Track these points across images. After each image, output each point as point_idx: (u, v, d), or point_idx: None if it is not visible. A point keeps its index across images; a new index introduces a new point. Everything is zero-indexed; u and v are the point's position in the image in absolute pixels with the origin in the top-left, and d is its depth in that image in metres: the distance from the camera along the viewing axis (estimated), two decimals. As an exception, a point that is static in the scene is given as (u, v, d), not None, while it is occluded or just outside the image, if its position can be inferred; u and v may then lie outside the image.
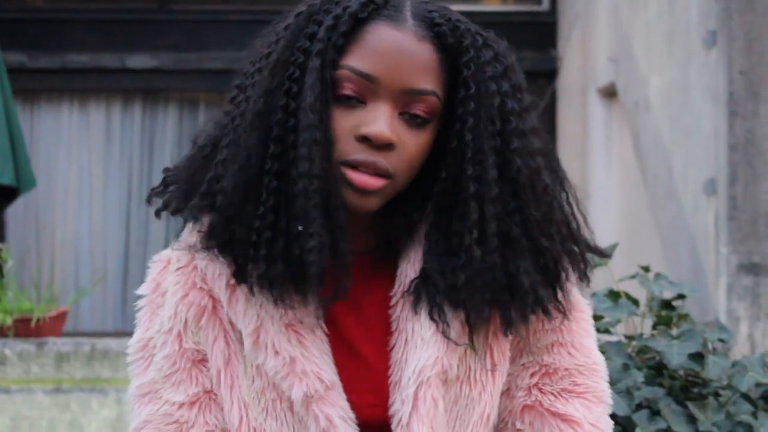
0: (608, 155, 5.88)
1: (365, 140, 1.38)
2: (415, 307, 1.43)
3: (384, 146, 1.38)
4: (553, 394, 1.51)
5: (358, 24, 1.39)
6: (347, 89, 1.38)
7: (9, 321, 5.22)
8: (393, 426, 1.43)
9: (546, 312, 1.45)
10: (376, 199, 1.40)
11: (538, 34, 6.63)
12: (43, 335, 5.27)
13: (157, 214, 1.49)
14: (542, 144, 1.46)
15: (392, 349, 1.45)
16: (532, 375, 1.52)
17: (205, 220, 1.42)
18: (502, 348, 1.49)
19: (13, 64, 6.39)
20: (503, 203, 1.40)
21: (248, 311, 1.43)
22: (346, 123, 1.39)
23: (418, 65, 1.39)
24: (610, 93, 5.81)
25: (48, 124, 6.95)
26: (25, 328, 5.25)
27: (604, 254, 1.52)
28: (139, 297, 1.54)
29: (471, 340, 1.44)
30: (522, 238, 1.41)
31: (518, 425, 1.52)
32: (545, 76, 6.62)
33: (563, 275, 1.46)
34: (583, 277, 1.48)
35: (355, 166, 1.38)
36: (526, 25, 6.54)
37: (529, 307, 1.42)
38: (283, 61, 1.40)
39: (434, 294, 1.42)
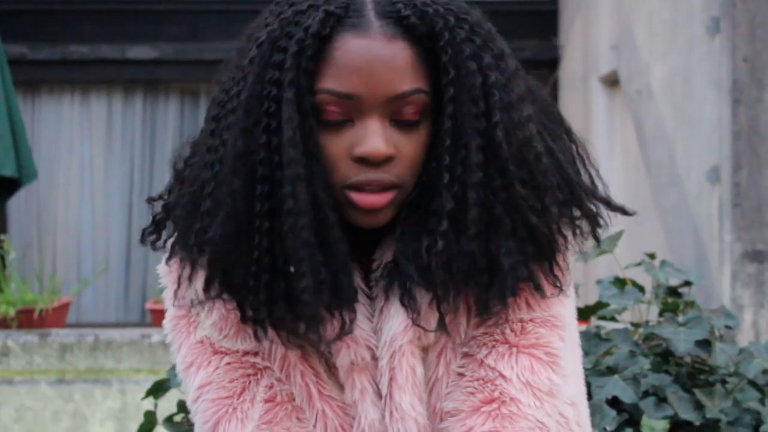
0: (611, 143, 5.88)
1: (362, 160, 1.34)
2: (386, 292, 1.40)
3: (383, 162, 1.35)
4: (486, 346, 1.42)
5: (323, 42, 1.34)
6: (331, 114, 1.34)
7: (12, 312, 5.23)
8: (382, 398, 1.42)
9: (538, 288, 1.39)
10: (388, 212, 1.37)
11: (540, 23, 6.62)
12: (47, 326, 5.28)
13: (168, 260, 1.47)
14: (534, 107, 1.41)
15: (372, 317, 1.43)
16: (478, 325, 1.43)
17: (201, 271, 1.40)
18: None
19: (14, 55, 6.38)
20: (488, 185, 1.35)
21: None
22: (339, 146, 1.35)
23: (395, 69, 1.34)
24: (612, 81, 5.80)
25: (49, 115, 6.95)
26: (28, 320, 5.26)
27: (620, 208, 1.46)
28: (162, 273, 1.51)
29: (442, 325, 1.39)
30: (506, 218, 1.35)
31: (455, 367, 1.44)
32: (547, 64, 6.61)
33: (560, 245, 1.40)
34: (594, 237, 1.43)
35: (359, 188, 1.35)
36: (528, 13, 6.53)
37: (509, 289, 1.36)
38: (255, 97, 1.35)
39: (404, 280, 1.38)
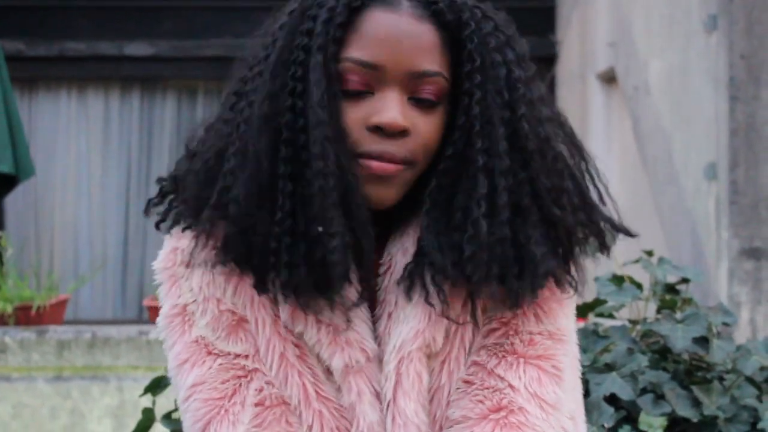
0: (608, 140, 5.88)
1: (378, 130, 1.36)
2: (409, 293, 1.40)
3: (398, 134, 1.36)
4: (496, 356, 1.43)
5: (353, 13, 1.37)
6: (353, 83, 1.36)
7: (9, 309, 5.23)
8: (382, 402, 1.42)
9: (559, 283, 1.41)
10: (396, 189, 1.38)
11: (537, 20, 6.62)
12: (44, 323, 5.28)
13: (158, 226, 1.46)
14: (552, 113, 1.43)
15: (376, 321, 1.43)
16: (488, 334, 1.44)
17: (217, 233, 1.39)
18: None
19: (11, 52, 6.38)
20: (514, 174, 1.37)
21: None
22: (357, 114, 1.36)
23: (420, 47, 1.37)
24: (609, 78, 5.80)
25: (46, 112, 6.94)
26: (25, 316, 5.26)
27: (624, 230, 1.47)
28: (157, 270, 1.49)
29: (474, 317, 1.41)
30: (533, 208, 1.37)
31: (464, 375, 1.44)
32: (544, 61, 6.61)
33: (577, 248, 1.42)
34: (603, 249, 1.44)
35: (370, 157, 1.36)
36: (525, 10, 6.53)
37: (540, 278, 1.38)
38: (283, 61, 1.38)
39: (431, 274, 1.38)
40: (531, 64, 1.43)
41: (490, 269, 1.37)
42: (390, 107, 1.36)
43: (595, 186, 1.46)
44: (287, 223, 1.34)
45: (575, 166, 1.45)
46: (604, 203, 1.47)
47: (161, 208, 1.48)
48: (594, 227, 1.44)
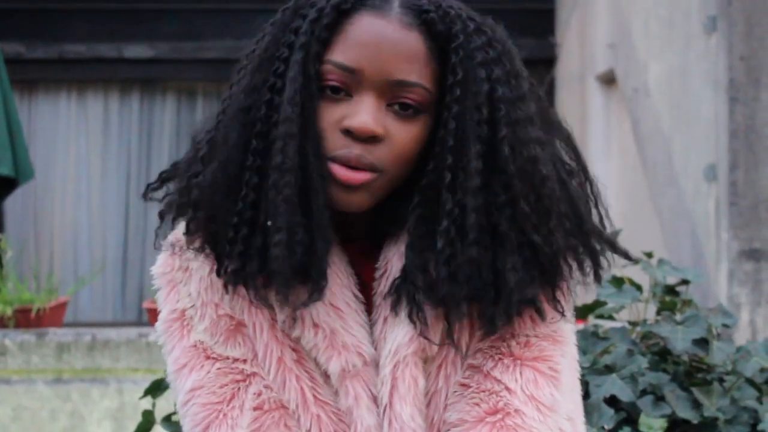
0: (607, 142, 5.88)
1: (349, 133, 1.35)
2: (395, 309, 1.40)
3: (368, 139, 1.35)
4: (492, 358, 1.42)
5: (342, 15, 1.37)
6: (332, 84, 1.36)
7: (9, 312, 5.23)
8: (379, 407, 1.41)
9: (539, 312, 1.39)
10: (365, 196, 1.37)
11: (537, 21, 6.62)
12: (44, 325, 5.28)
13: (161, 215, 1.47)
14: (545, 133, 1.40)
15: (373, 325, 1.43)
16: (484, 337, 1.43)
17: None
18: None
19: (11, 54, 6.38)
20: (491, 195, 1.35)
21: None
22: (332, 116, 1.36)
23: (403, 55, 1.35)
24: (609, 80, 5.80)
25: (46, 114, 6.94)
26: (25, 319, 5.26)
27: (623, 253, 1.45)
28: (156, 275, 1.49)
29: (451, 338, 1.39)
30: (511, 233, 1.35)
31: (461, 378, 1.44)
32: (544, 63, 6.62)
33: (564, 272, 1.40)
34: (596, 276, 1.42)
35: (339, 162, 1.35)
36: (525, 12, 6.53)
37: (514, 306, 1.36)
38: (268, 56, 1.38)
39: (413, 293, 1.38)
40: (524, 83, 1.40)
41: (462, 290, 1.36)
42: (363, 112, 1.35)
43: (597, 208, 1.44)
44: (247, 215, 1.35)
45: (578, 187, 1.43)
46: (604, 227, 1.44)
47: (160, 196, 1.48)
48: (588, 252, 1.42)
